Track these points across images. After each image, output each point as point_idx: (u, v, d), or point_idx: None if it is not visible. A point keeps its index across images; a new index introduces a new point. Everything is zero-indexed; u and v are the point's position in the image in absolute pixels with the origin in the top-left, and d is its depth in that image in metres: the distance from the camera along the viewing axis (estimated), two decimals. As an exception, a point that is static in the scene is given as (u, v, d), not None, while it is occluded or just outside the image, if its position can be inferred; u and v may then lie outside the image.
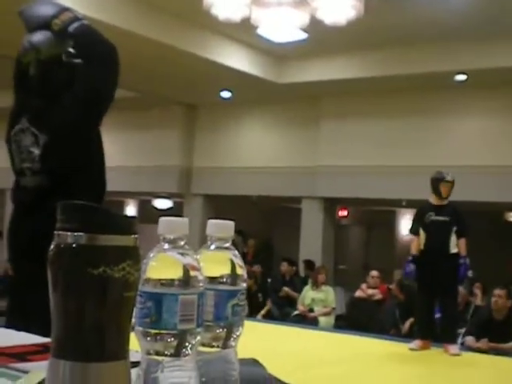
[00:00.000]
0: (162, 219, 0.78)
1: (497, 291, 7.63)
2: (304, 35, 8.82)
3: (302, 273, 11.43)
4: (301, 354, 6.66)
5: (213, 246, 0.86)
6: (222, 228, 0.86)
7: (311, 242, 11.85)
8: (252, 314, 9.86)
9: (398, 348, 7.49)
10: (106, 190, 2.81)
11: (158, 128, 13.25)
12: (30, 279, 2.46)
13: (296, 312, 9.99)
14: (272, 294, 10.77)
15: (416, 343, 7.27)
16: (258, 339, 5.55)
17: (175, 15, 8.85)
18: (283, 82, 10.91)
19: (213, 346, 0.83)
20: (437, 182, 7.37)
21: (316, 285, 9.98)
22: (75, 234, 0.64)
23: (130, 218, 0.68)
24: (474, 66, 9.44)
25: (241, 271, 0.85)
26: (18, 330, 1.37)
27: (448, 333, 7.32)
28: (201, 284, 0.76)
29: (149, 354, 0.74)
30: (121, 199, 16.51)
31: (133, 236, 0.67)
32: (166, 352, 0.74)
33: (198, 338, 0.76)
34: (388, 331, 8.81)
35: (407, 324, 8.63)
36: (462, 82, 10.10)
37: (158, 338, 0.74)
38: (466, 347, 7.44)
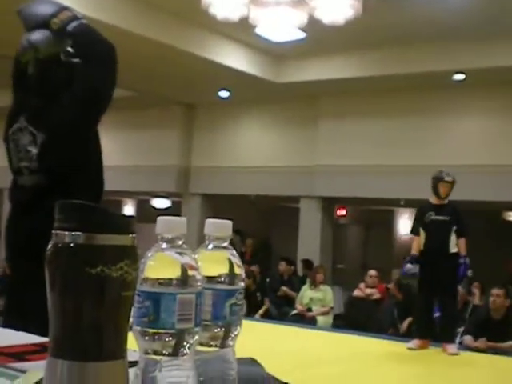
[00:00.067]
0: (160, 218, 0.78)
1: (495, 291, 7.63)
2: (302, 35, 8.82)
3: (300, 272, 11.43)
4: (299, 354, 6.67)
5: (211, 246, 0.86)
6: (219, 227, 0.86)
7: (309, 242, 11.85)
8: (250, 313, 9.86)
9: (396, 347, 7.49)
10: (103, 189, 2.81)
11: (156, 127, 13.25)
12: (27, 278, 2.45)
13: (294, 311, 10.00)
14: (270, 294, 10.78)
15: (414, 342, 7.28)
16: (256, 339, 5.55)
17: (173, 14, 8.85)
18: (281, 81, 10.91)
19: (211, 346, 0.83)
20: (436, 181, 7.38)
21: (314, 284, 9.99)
22: (73, 233, 0.64)
23: (127, 217, 0.68)
24: (472, 66, 9.45)
25: (239, 270, 0.85)
26: (16, 329, 1.37)
27: (447, 332, 7.34)
28: (199, 283, 0.76)
29: (147, 353, 0.74)
30: (119, 198, 16.50)
31: (131, 235, 0.67)
32: (164, 351, 0.74)
33: (196, 337, 0.76)
34: (386, 331, 8.82)
35: (405, 323, 8.63)
36: (460, 81, 10.10)
37: (156, 337, 0.74)
38: (464, 346, 7.44)
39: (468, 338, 7.56)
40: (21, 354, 1.10)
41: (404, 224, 14.98)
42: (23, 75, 2.75)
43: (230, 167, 12.64)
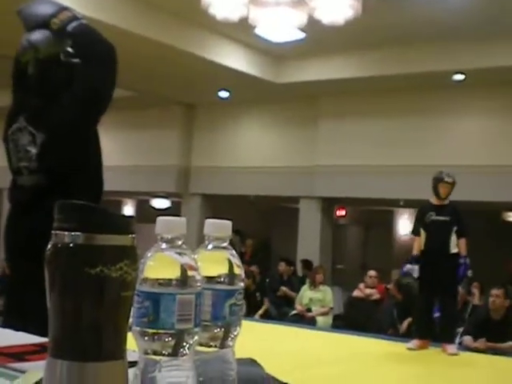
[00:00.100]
0: (160, 219, 0.78)
1: (494, 291, 7.63)
2: (302, 35, 8.82)
3: (299, 272, 11.43)
4: (299, 354, 6.67)
5: (210, 246, 0.86)
6: (219, 227, 0.86)
7: (309, 242, 11.85)
8: (250, 313, 9.86)
9: (395, 348, 7.49)
10: (103, 189, 2.81)
11: (155, 128, 13.25)
12: (27, 279, 2.45)
13: (294, 312, 10.00)
14: (270, 294, 10.78)
15: (414, 343, 7.28)
16: (255, 339, 5.55)
17: (173, 14, 8.85)
18: (281, 81, 10.91)
19: (210, 346, 0.83)
20: (436, 182, 7.39)
21: (314, 284, 9.99)
22: (72, 233, 0.64)
23: (127, 217, 0.68)
24: (472, 66, 9.45)
25: (238, 271, 0.85)
26: (16, 329, 1.37)
27: (447, 332, 7.34)
28: (198, 284, 0.76)
29: (146, 353, 0.74)
30: (119, 199, 16.50)
31: (130, 235, 0.67)
32: (163, 352, 0.74)
33: (196, 337, 0.76)
34: (386, 331, 8.82)
35: (405, 324, 8.63)
36: (460, 81, 10.11)
37: (156, 337, 0.74)
38: (463, 347, 7.45)
39: (468, 339, 7.56)
40: (20, 354, 1.10)
41: (404, 224, 14.99)
42: (23, 75, 2.74)
43: (230, 167, 12.64)
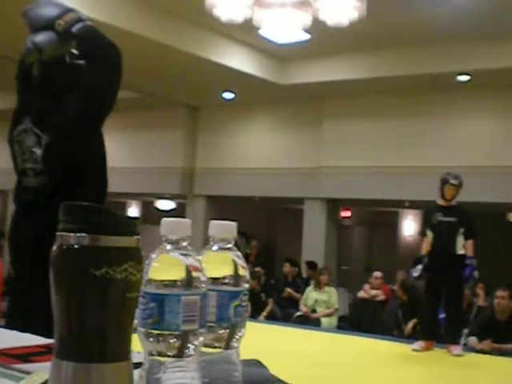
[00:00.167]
0: (165, 220, 0.78)
1: (499, 292, 7.62)
2: (306, 36, 8.80)
3: (304, 274, 11.42)
4: (303, 355, 6.66)
5: (215, 247, 0.86)
6: (224, 229, 0.86)
7: (314, 243, 11.84)
8: (254, 314, 9.85)
9: (400, 349, 7.48)
10: (108, 190, 2.82)
11: (160, 129, 13.25)
12: (32, 280, 2.46)
13: (299, 313, 9.99)
14: (274, 295, 10.77)
15: (419, 344, 7.27)
16: (260, 340, 5.55)
17: (177, 16, 8.85)
18: (286, 83, 10.91)
19: (215, 347, 0.83)
20: (442, 184, 7.39)
21: (319, 286, 9.98)
22: (77, 234, 0.64)
23: (132, 219, 0.68)
24: (477, 67, 9.43)
25: (243, 272, 0.85)
26: (21, 330, 1.37)
27: (452, 333, 7.32)
28: (203, 285, 0.76)
29: (151, 354, 0.74)
30: (123, 200, 16.51)
31: (135, 237, 0.67)
32: (168, 353, 0.74)
33: (201, 338, 0.76)
34: (391, 332, 8.81)
35: (410, 325, 8.62)
36: (465, 82, 10.08)
37: (161, 338, 0.74)
38: (468, 348, 7.43)
39: (473, 340, 7.55)
40: (25, 355, 1.10)
41: (408, 225, 14.98)
42: (28, 77, 2.75)
43: (235, 169, 12.64)
